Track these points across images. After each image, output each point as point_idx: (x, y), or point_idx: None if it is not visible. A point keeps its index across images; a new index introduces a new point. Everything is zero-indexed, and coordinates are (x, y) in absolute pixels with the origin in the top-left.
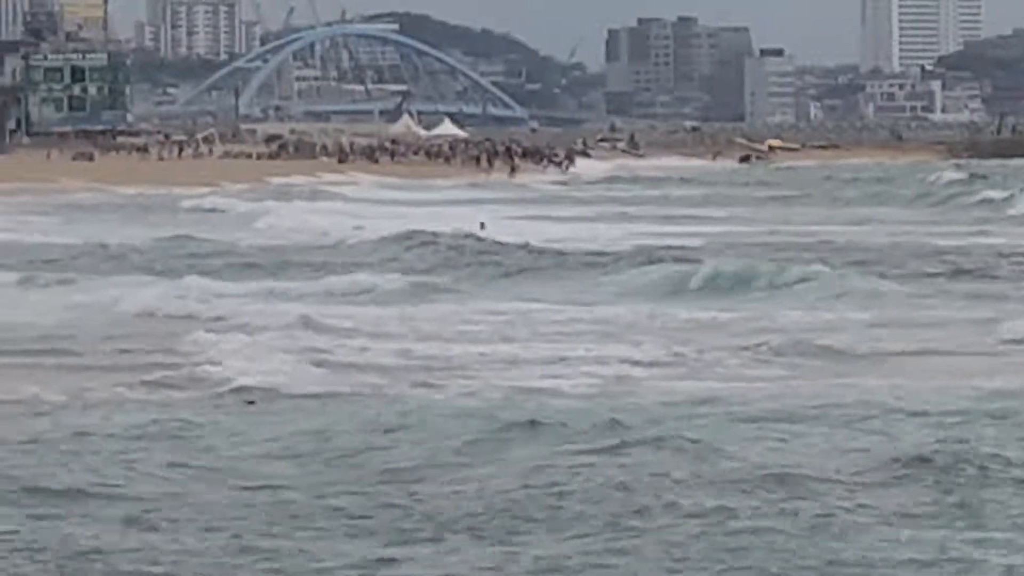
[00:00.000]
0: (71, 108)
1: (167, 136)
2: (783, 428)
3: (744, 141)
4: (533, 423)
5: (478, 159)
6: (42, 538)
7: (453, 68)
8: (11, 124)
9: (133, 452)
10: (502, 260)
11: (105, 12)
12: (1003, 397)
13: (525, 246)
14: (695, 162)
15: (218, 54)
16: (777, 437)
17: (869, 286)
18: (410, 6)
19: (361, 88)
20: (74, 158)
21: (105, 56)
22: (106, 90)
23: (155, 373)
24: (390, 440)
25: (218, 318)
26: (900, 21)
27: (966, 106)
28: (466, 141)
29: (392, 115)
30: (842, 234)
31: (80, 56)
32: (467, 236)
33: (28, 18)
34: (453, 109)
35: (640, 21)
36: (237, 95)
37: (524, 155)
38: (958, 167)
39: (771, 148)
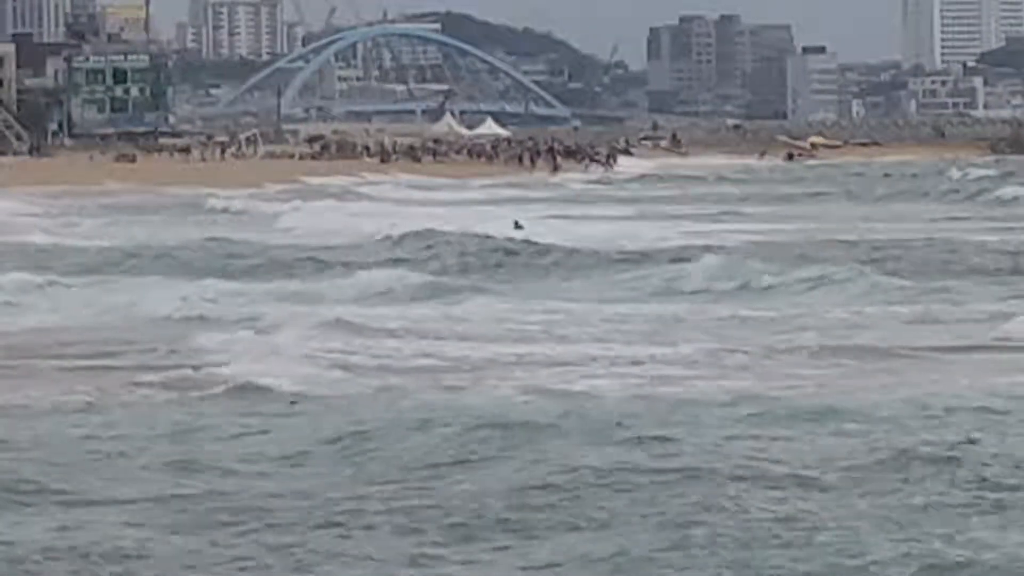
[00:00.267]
0: (113, 110)
1: (209, 137)
2: (822, 425)
3: (787, 139)
4: (561, 423)
5: (520, 158)
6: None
7: (495, 67)
8: (53, 126)
9: (145, 452)
10: (532, 260)
11: (147, 13)
12: None
13: (558, 246)
14: (738, 160)
15: (260, 55)
16: (815, 434)
17: (897, 283)
18: (452, 5)
19: (403, 88)
20: (116, 160)
21: (147, 57)
22: (148, 91)
23: (172, 373)
24: (418, 438)
25: (239, 319)
26: (942, 17)
27: (1008, 102)
28: (508, 140)
29: (434, 115)
30: (879, 231)
31: (122, 58)
32: (494, 236)
33: (70, 20)
34: (495, 108)
35: (682, 19)
36: (279, 96)
37: (566, 154)
38: (996, 163)
39: (813, 146)
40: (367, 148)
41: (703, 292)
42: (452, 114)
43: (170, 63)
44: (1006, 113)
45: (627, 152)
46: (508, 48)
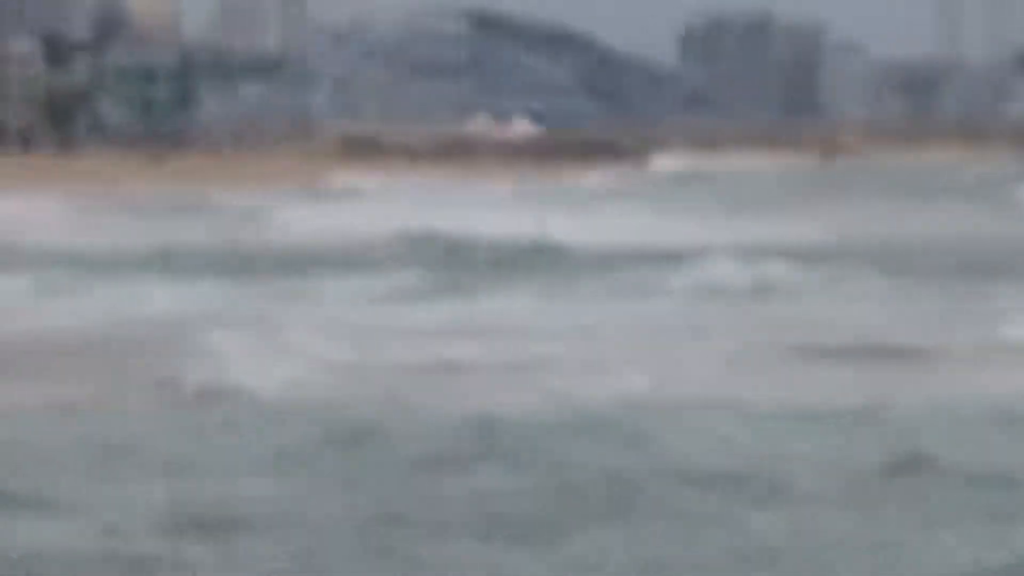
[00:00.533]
0: (141, 108)
1: (238, 136)
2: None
3: (822, 137)
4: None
5: (550, 157)
6: None
7: (527, 65)
8: (81, 126)
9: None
10: (555, 260)
11: (175, 12)
12: None
13: (584, 245)
14: (771, 159)
15: (289, 52)
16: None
17: (914, 283)
18: (483, 3)
19: (433, 86)
20: (144, 159)
21: (175, 56)
22: (176, 90)
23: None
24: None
25: (238, 320)
26: (979, 11)
27: None
28: (539, 139)
29: (465, 113)
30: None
31: (150, 56)
32: (519, 236)
33: (98, 18)
34: (526, 107)
35: (714, 17)
36: (308, 94)
37: (597, 152)
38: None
39: (849, 143)
40: (396, 146)
41: (724, 292)
42: (482, 113)
43: (198, 61)
44: None
45: (659, 151)
46: (539, 46)
